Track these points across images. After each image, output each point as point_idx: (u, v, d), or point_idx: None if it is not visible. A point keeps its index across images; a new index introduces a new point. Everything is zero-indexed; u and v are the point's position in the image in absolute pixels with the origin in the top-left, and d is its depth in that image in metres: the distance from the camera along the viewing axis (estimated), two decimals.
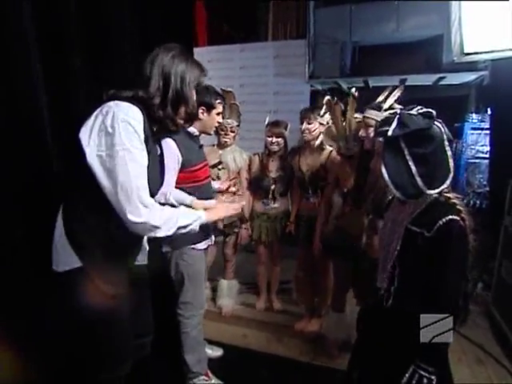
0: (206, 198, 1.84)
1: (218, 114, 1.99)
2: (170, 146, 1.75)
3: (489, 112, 4.19)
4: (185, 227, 1.33)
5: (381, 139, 1.25)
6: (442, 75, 4.39)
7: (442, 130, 1.21)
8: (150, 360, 1.81)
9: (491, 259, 2.86)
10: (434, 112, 1.22)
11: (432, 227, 1.17)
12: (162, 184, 1.53)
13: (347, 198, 2.16)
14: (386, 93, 1.94)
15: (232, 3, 5.34)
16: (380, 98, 1.95)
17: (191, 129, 1.91)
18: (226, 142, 2.54)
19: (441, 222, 1.16)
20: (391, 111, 1.72)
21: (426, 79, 4.59)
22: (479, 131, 4.44)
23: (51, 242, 1.39)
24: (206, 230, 1.96)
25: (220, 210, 1.61)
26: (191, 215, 1.38)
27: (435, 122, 1.21)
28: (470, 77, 4.39)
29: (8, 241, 1.72)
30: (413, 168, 1.19)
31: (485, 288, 3.08)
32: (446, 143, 1.21)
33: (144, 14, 3.35)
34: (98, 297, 1.31)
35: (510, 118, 3.05)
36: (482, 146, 4.43)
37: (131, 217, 1.18)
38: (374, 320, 1.44)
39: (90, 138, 1.21)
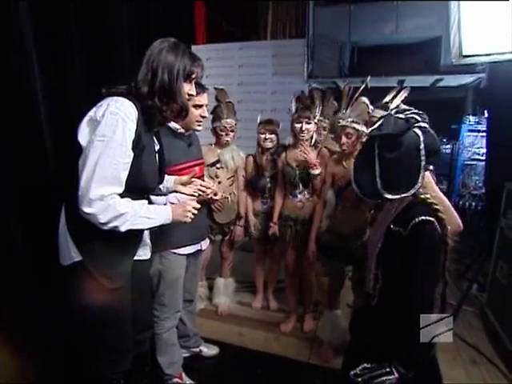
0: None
1: (195, 106, 1.79)
2: None
3: (485, 114, 4.23)
4: (147, 222, 1.32)
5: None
6: (439, 77, 4.42)
7: (421, 138, 1.17)
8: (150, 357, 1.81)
9: (486, 260, 2.89)
10: (419, 118, 1.21)
11: (407, 226, 1.18)
12: (162, 179, 1.53)
13: (341, 195, 2.17)
14: (393, 93, 1.95)
15: (232, 1, 5.34)
16: (387, 99, 1.96)
17: (173, 125, 1.81)
18: (227, 141, 2.50)
19: (414, 222, 1.17)
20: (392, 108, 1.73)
21: (424, 81, 4.62)
22: (476, 133, 4.49)
23: (49, 239, 1.40)
24: (191, 235, 1.92)
25: (182, 210, 1.42)
26: (154, 213, 1.34)
27: (415, 130, 1.19)
28: (467, 79, 4.42)
29: (5, 239, 1.72)
30: (376, 169, 1.19)
31: (479, 289, 3.11)
32: (422, 152, 1.17)
33: (143, 13, 3.34)
34: (98, 290, 1.32)
35: (506, 120, 3.06)
36: (479, 148, 4.48)
37: (83, 206, 1.19)
38: (364, 319, 1.46)
39: (81, 127, 1.27)
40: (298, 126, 2.37)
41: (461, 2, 2.54)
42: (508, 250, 2.56)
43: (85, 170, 1.20)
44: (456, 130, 4.60)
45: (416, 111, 1.25)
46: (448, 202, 1.53)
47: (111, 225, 1.22)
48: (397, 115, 1.25)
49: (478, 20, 2.52)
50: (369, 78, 2.12)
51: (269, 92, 4.85)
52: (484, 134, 4.28)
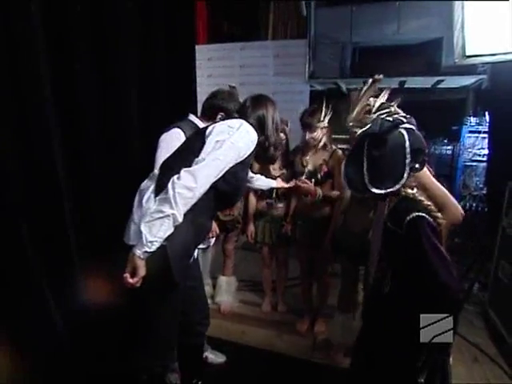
0: None
1: None
2: None
3: (486, 115, 4.24)
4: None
5: None
6: (440, 78, 4.43)
7: (405, 137, 1.25)
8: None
9: (488, 260, 2.90)
10: (404, 120, 1.28)
11: (402, 224, 1.24)
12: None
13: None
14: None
15: (233, 1, 5.35)
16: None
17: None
18: None
19: (407, 220, 1.23)
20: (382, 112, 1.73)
21: (425, 82, 4.63)
22: (476, 134, 4.49)
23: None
24: None
25: None
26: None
27: (401, 130, 1.26)
28: (468, 80, 4.44)
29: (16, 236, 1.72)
30: (364, 165, 1.27)
31: (481, 288, 3.11)
32: (408, 151, 1.24)
33: (145, 13, 3.33)
34: (162, 281, 1.42)
35: (507, 121, 3.08)
36: (479, 149, 4.48)
37: (181, 173, 1.34)
38: (376, 306, 1.48)
39: (214, 128, 1.50)
40: (303, 134, 2.40)
41: (465, 1, 2.54)
42: (510, 249, 2.56)
43: (208, 156, 1.39)
44: (457, 131, 4.60)
45: (403, 114, 1.33)
46: (445, 191, 1.55)
47: (174, 199, 1.30)
48: (384, 117, 1.32)
49: (481, 19, 2.53)
50: (381, 76, 2.11)
51: (270, 92, 4.83)
52: (485, 135, 4.29)
